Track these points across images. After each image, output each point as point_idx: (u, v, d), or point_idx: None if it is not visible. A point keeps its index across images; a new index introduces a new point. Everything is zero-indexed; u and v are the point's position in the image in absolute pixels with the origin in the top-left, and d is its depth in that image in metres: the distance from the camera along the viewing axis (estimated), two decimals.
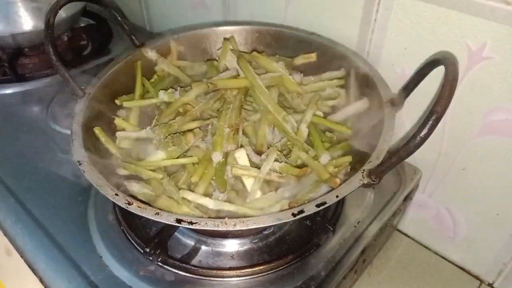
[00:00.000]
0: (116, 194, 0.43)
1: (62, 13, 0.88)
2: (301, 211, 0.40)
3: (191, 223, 0.40)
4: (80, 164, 0.46)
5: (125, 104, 0.61)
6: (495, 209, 0.60)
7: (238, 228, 0.39)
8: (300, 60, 0.65)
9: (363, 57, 0.61)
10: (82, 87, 0.57)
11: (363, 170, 0.44)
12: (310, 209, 0.40)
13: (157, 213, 0.41)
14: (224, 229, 0.39)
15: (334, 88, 0.62)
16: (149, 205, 0.43)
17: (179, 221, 0.40)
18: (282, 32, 0.68)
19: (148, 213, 0.41)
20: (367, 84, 0.57)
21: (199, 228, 0.40)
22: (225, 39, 0.69)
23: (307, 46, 0.65)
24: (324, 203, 0.41)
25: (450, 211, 0.66)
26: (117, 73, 0.62)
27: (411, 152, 0.38)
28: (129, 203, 0.42)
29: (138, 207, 0.41)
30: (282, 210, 0.42)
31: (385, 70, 0.58)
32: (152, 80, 0.66)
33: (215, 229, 0.40)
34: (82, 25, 1.03)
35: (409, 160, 0.64)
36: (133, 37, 0.66)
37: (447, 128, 0.58)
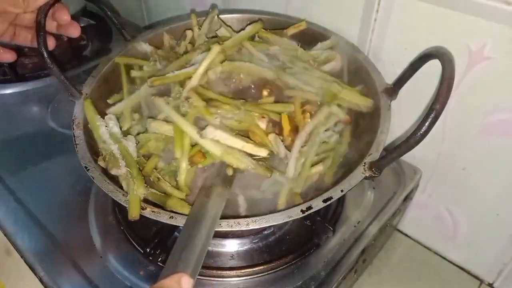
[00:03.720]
0: (126, 200, 0.43)
1: None
2: (309, 207, 0.41)
3: None
4: (87, 170, 0.46)
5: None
6: (495, 209, 0.60)
7: (251, 227, 0.40)
8: (291, 30, 0.65)
9: (355, 45, 0.60)
10: (81, 87, 0.57)
11: (364, 163, 0.44)
12: (318, 204, 0.41)
13: (171, 217, 0.41)
14: (238, 229, 0.40)
15: (329, 52, 0.61)
16: (162, 208, 0.42)
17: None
18: (273, 20, 0.67)
19: (162, 217, 0.41)
20: (360, 72, 0.57)
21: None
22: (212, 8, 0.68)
23: (299, 33, 0.65)
24: (331, 198, 0.41)
25: (450, 211, 0.66)
26: (112, 70, 0.61)
27: (411, 147, 0.39)
28: (143, 208, 0.42)
29: (152, 211, 0.41)
30: (290, 207, 0.42)
31: (385, 70, 0.58)
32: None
33: (228, 229, 0.40)
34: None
35: (409, 160, 0.65)
36: (124, 31, 0.65)
37: (447, 128, 0.58)
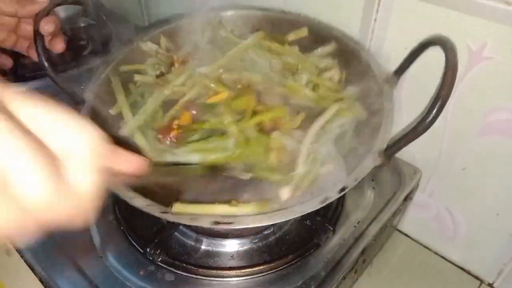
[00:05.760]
0: (148, 205, 0.43)
1: (62, 13, 0.88)
2: (326, 199, 0.41)
3: (228, 223, 0.40)
4: None
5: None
6: (495, 209, 0.60)
7: (272, 222, 0.40)
8: (292, 36, 0.65)
9: (351, 36, 0.60)
10: (82, 87, 0.56)
11: (374, 152, 0.45)
12: (333, 195, 0.41)
13: (193, 218, 0.41)
14: (259, 224, 0.40)
15: (329, 60, 0.62)
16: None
17: (217, 223, 0.40)
18: (269, 15, 0.67)
19: (184, 220, 0.41)
20: (359, 62, 0.58)
21: (237, 227, 0.40)
22: None
23: (297, 28, 0.65)
24: (345, 188, 0.42)
25: (450, 211, 0.66)
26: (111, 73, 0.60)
27: (418, 134, 0.41)
28: (164, 212, 0.42)
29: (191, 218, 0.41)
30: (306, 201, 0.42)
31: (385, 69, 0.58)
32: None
33: (251, 226, 0.40)
34: (82, 25, 1.02)
35: (409, 160, 0.65)
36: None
37: (447, 128, 0.58)
